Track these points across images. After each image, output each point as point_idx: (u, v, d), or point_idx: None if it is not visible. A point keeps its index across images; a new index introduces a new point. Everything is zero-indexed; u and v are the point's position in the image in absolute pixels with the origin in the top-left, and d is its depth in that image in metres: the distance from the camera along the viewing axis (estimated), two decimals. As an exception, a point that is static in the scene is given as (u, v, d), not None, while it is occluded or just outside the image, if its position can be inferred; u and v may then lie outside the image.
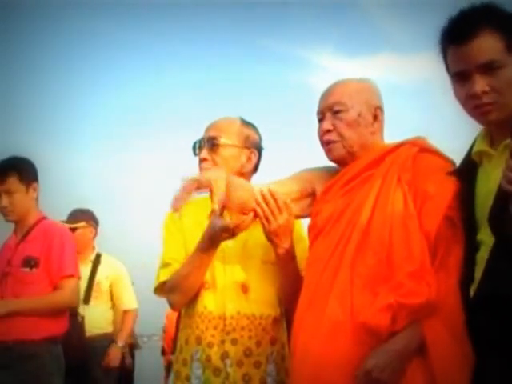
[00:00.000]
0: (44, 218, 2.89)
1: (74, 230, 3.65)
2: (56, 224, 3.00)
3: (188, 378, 1.75)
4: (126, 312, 4.00)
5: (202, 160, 1.84)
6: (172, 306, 1.86)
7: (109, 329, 3.92)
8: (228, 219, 1.61)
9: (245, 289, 1.77)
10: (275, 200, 1.61)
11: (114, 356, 3.84)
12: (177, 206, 1.46)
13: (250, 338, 1.74)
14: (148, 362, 9.73)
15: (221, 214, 1.62)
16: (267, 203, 1.61)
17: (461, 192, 1.45)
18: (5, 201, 2.76)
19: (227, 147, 1.83)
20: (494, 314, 1.30)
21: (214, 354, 1.72)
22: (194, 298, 1.78)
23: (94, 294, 3.81)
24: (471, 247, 1.40)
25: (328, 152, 1.63)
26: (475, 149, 1.46)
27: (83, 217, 3.93)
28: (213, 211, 1.63)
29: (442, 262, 1.41)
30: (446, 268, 1.41)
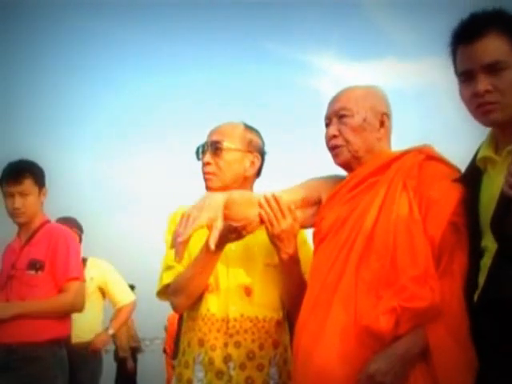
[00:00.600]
0: (48, 221, 2.91)
1: None
2: (60, 227, 3.02)
3: (190, 381, 1.76)
4: (120, 308, 4.05)
5: (205, 164, 1.84)
6: (175, 308, 1.86)
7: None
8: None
9: (248, 291, 1.77)
10: (278, 204, 1.62)
11: (100, 338, 3.88)
12: (179, 253, 1.49)
13: (253, 340, 1.74)
14: (150, 365, 9.73)
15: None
16: (271, 207, 1.62)
17: (465, 198, 1.45)
18: (18, 202, 2.75)
19: (230, 151, 1.84)
20: (498, 318, 1.30)
21: (217, 356, 1.73)
22: (197, 301, 1.78)
23: None
24: (475, 253, 1.40)
25: (334, 157, 1.64)
26: (480, 155, 1.47)
27: (67, 224, 3.91)
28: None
29: (446, 267, 1.42)
30: (450, 274, 1.41)
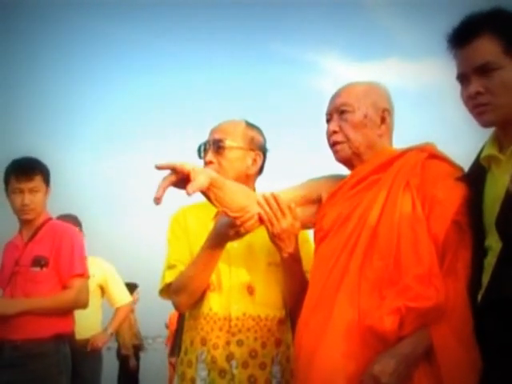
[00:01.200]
0: (51, 218, 2.91)
1: None
2: (64, 224, 3.02)
3: (193, 380, 1.76)
4: (118, 308, 4.16)
5: (207, 163, 1.84)
6: (177, 307, 1.86)
7: (98, 330, 4.00)
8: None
9: (251, 290, 1.77)
10: (278, 203, 1.61)
11: (100, 337, 3.96)
12: (156, 195, 1.42)
13: (255, 339, 1.74)
14: (153, 363, 9.76)
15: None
16: (270, 206, 1.61)
17: (469, 197, 1.45)
18: (28, 198, 2.75)
19: (233, 149, 1.83)
20: (502, 318, 1.30)
21: (220, 355, 1.73)
22: (199, 300, 1.78)
23: None
24: (479, 253, 1.40)
25: (335, 153, 1.63)
26: (484, 154, 1.46)
27: (67, 221, 3.94)
28: (218, 213, 1.62)
29: (450, 266, 1.41)
30: (454, 273, 1.40)
